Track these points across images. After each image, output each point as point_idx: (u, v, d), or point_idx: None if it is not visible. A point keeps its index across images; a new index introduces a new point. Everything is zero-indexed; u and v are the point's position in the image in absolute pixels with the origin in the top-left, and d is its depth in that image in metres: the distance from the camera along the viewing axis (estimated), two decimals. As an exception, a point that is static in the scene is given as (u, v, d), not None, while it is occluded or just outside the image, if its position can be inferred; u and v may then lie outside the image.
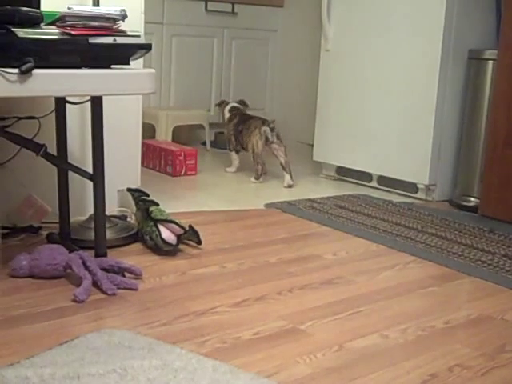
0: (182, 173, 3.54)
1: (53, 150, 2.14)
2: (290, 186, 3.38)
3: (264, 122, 3.39)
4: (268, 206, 2.97)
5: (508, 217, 2.85)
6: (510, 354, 1.62)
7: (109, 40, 1.84)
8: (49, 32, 1.77)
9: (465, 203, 3.12)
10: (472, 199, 3.10)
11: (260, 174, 3.45)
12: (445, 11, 3.06)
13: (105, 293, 1.84)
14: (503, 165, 2.85)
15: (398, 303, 1.92)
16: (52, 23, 1.82)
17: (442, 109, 3.17)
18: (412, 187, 3.31)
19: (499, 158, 2.86)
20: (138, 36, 1.92)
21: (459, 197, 3.17)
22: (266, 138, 3.37)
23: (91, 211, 2.15)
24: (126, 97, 2.52)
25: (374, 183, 3.48)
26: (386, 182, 3.42)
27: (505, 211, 2.86)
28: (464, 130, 3.17)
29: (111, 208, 2.50)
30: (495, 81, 2.89)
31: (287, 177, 3.39)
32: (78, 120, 2.47)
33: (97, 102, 1.94)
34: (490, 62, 3.01)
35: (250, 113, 3.70)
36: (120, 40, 1.86)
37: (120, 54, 1.90)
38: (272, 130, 3.36)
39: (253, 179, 3.45)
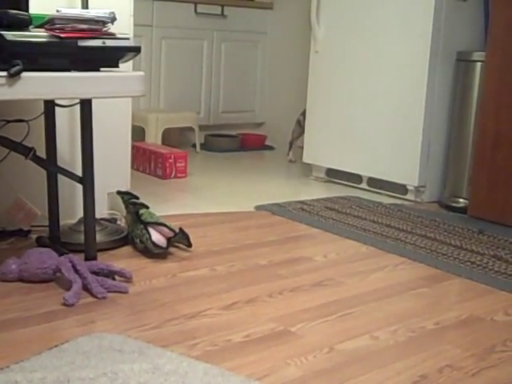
0: (172, 175, 3.54)
1: (42, 153, 2.14)
2: (289, 161, 4.17)
3: (304, 112, 3.97)
4: (258, 208, 2.97)
5: (497, 218, 2.87)
6: (500, 355, 1.63)
7: (98, 43, 1.84)
8: (37, 35, 1.76)
9: (454, 204, 3.14)
10: (461, 200, 3.12)
11: (288, 149, 4.21)
12: (433, 13, 3.07)
13: (95, 296, 1.84)
14: (492, 166, 2.86)
15: (388, 304, 1.92)
16: (41, 26, 1.81)
17: (431, 110, 3.19)
18: (401, 189, 3.32)
19: (488, 159, 2.88)
20: (128, 39, 1.92)
21: (448, 198, 3.18)
22: (299, 123, 4.08)
23: (81, 214, 2.14)
24: (116, 99, 2.52)
25: (363, 185, 3.49)
26: (375, 183, 3.43)
27: (493, 212, 2.87)
28: (453, 132, 3.19)
29: (101, 211, 2.50)
30: (483, 82, 2.91)
31: (290, 153, 4.18)
32: (67, 123, 2.46)
33: (86, 105, 1.94)
34: (479, 63, 3.03)
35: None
36: (109, 43, 1.86)
37: (109, 57, 1.89)
38: (305, 117, 3.83)
39: None
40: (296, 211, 2.92)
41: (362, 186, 3.49)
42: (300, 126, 4.09)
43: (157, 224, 2.24)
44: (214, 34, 4.50)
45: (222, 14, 4.50)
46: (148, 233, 2.21)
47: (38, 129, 2.23)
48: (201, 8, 4.38)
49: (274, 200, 3.12)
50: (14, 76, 1.67)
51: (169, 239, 2.25)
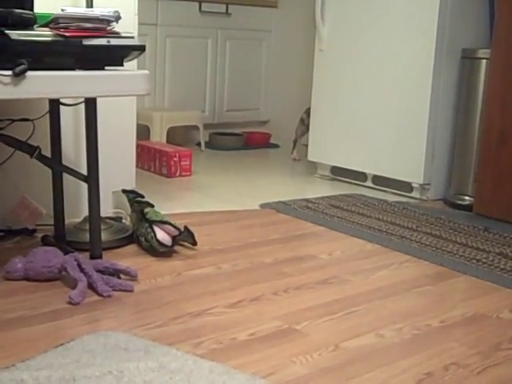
0: (177, 174, 3.54)
1: (47, 151, 2.14)
2: (293, 160, 4.17)
3: (307, 110, 4.01)
4: (263, 206, 2.97)
5: (502, 215, 2.86)
6: (506, 352, 1.62)
7: (102, 41, 1.84)
8: (42, 34, 1.76)
9: (459, 202, 3.13)
10: (466, 198, 3.11)
11: (292, 148, 4.20)
12: (438, 10, 3.07)
13: (100, 295, 1.84)
14: (497, 163, 2.86)
15: (393, 302, 1.92)
16: (45, 25, 1.81)
17: (436, 108, 3.18)
18: (407, 186, 3.31)
19: (493, 157, 2.87)
20: (132, 37, 1.92)
21: (454, 195, 3.18)
22: (302, 122, 4.06)
23: (86, 213, 2.15)
24: (121, 98, 2.52)
25: (368, 183, 3.48)
26: (380, 181, 3.42)
27: (499, 209, 2.87)
28: (458, 129, 3.18)
29: (106, 209, 2.50)
30: (488, 79, 2.90)
31: (294, 151, 4.18)
32: (72, 122, 2.47)
33: (91, 104, 1.94)
34: (484, 60, 3.02)
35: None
36: (114, 41, 1.86)
37: (114, 56, 1.90)
38: (308, 115, 3.87)
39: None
40: (301, 209, 2.92)
41: (367, 183, 3.49)
42: (303, 124, 4.09)
43: (162, 222, 2.24)
44: (218, 32, 4.50)
45: (227, 13, 4.50)
46: (153, 231, 2.21)
47: (43, 128, 2.23)
48: (205, 6, 4.38)
49: (278, 198, 3.11)
50: (18, 75, 1.67)
51: (174, 238, 2.25)
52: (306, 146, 3.81)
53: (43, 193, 2.35)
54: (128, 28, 2.33)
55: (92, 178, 1.98)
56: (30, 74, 1.69)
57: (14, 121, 2.21)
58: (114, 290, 1.87)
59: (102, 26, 1.85)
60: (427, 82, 3.14)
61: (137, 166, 2.85)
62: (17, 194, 2.34)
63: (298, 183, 3.53)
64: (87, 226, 2.08)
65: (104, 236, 2.16)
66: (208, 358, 1.50)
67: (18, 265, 1.91)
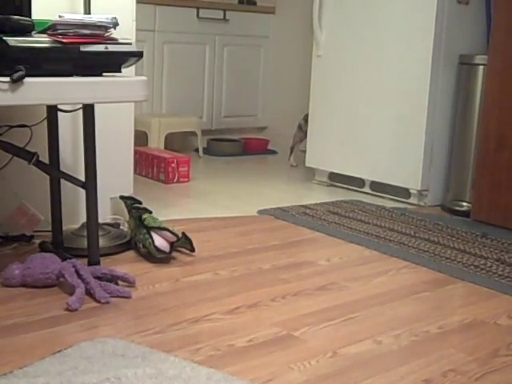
0: (175, 180, 3.54)
1: (45, 158, 2.14)
2: (291, 166, 4.16)
3: (305, 116, 4.00)
4: (261, 212, 2.97)
5: (500, 221, 2.86)
6: (504, 359, 1.62)
7: (100, 48, 1.84)
8: (40, 40, 1.77)
9: (457, 208, 3.13)
10: (464, 204, 3.11)
11: (289, 154, 4.20)
12: (435, 17, 3.07)
13: (98, 301, 1.84)
14: (495, 169, 2.86)
15: (391, 309, 1.92)
16: (43, 31, 1.82)
17: (434, 114, 3.18)
18: (404, 192, 3.31)
19: (491, 163, 2.88)
20: (130, 43, 1.92)
21: (451, 202, 3.18)
22: (300, 128, 4.07)
23: (84, 219, 2.15)
24: (118, 104, 2.52)
25: (366, 189, 3.48)
26: (378, 187, 3.43)
27: (497, 216, 2.87)
28: (455, 135, 3.18)
29: (104, 216, 2.50)
30: (486, 85, 2.90)
31: (291, 157, 4.18)
32: (69, 128, 2.47)
33: (89, 110, 1.94)
34: (481, 66, 3.03)
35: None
36: (111, 48, 1.86)
37: (111, 62, 1.90)
38: (306, 121, 3.87)
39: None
40: (299, 215, 2.92)
41: (364, 189, 3.49)
42: (301, 130, 4.09)
43: (160, 229, 2.24)
44: (216, 38, 4.50)
45: (224, 19, 4.50)
46: (151, 237, 2.21)
47: (41, 134, 2.23)
48: (203, 13, 4.39)
49: (276, 204, 3.11)
50: (16, 81, 1.67)
51: (172, 244, 2.25)
52: (304, 152, 3.81)
53: (41, 199, 2.35)
54: (126, 34, 2.33)
55: (90, 185, 1.98)
56: (27, 80, 1.69)
57: (11, 127, 2.21)
58: (111, 297, 1.87)
59: (99, 32, 1.85)
60: (425, 88, 3.14)
61: (135, 173, 2.85)
62: (15, 200, 2.34)
63: (295, 189, 3.53)
64: (85, 233, 2.08)
65: (102, 242, 2.16)
66: (206, 364, 1.49)
67: (16, 271, 1.91)
